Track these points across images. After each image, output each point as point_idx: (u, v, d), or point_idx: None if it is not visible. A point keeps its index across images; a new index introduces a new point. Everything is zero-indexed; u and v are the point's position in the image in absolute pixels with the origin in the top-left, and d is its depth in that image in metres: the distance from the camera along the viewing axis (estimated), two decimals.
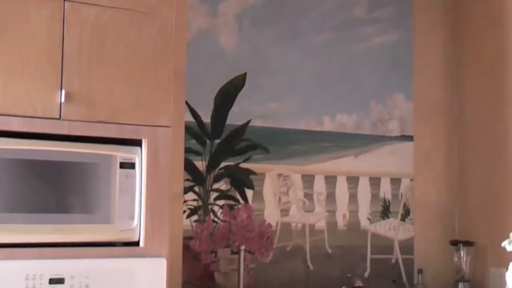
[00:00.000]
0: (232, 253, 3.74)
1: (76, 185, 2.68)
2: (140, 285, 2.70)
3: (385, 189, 4.31)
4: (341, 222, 4.14)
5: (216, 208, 3.77)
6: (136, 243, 2.76)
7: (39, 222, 2.61)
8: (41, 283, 2.56)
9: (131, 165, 2.78)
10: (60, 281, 2.59)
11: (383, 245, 4.27)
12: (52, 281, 2.58)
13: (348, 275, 3.94)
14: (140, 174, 2.78)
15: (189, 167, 3.66)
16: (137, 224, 2.76)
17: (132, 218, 2.75)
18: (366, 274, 4.16)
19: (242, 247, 3.57)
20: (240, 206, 3.81)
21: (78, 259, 2.64)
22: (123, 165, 2.77)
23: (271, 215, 3.91)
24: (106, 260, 2.69)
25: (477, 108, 4.37)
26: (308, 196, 4.06)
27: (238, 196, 3.83)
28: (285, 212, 3.97)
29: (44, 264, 2.58)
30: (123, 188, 2.75)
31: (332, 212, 4.12)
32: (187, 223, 3.66)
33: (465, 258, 4.24)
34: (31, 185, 2.62)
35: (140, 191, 2.77)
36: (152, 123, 2.81)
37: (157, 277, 2.74)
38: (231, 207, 3.79)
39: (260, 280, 3.82)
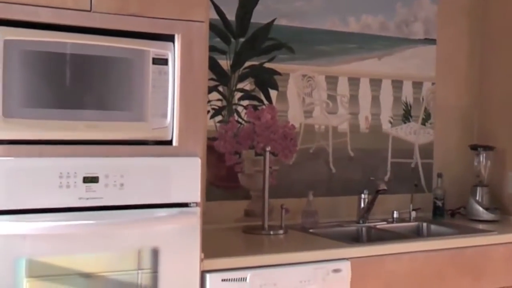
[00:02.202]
0: (256, 154, 3.67)
1: (108, 81, 2.58)
2: (174, 185, 2.64)
3: (407, 93, 4.23)
4: (363, 125, 4.07)
5: (240, 109, 3.68)
6: (169, 142, 2.68)
7: (71, 118, 2.52)
8: (75, 182, 2.49)
9: (164, 61, 2.67)
10: (94, 179, 2.51)
11: (404, 149, 4.22)
12: (86, 179, 2.50)
13: (371, 178, 3.89)
14: (173, 70, 2.67)
15: (213, 66, 3.55)
16: (170, 123, 2.67)
17: (165, 116, 2.66)
18: (386, 178, 4.12)
19: (268, 148, 3.50)
20: (264, 106, 3.72)
21: (112, 158, 2.56)
22: (155, 61, 2.65)
23: (294, 116, 3.83)
24: (140, 159, 2.61)
25: (502, 10, 4.26)
26: (332, 98, 3.97)
27: (262, 97, 3.74)
28: (308, 113, 3.89)
29: (77, 162, 2.50)
30: (156, 84, 2.65)
31: (354, 115, 4.05)
32: (211, 123, 3.57)
33: (484, 163, 4.21)
34: (62, 80, 2.51)
35: (173, 88, 2.67)
36: (186, 18, 2.69)
37: (192, 176, 2.67)
38: (255, 107, 3.70)
39: (283, 182, 3.77)
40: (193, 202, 2.68)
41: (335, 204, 3.92)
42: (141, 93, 2.63)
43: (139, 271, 2.61)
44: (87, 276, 2.52)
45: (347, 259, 3.06)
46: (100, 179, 2.52)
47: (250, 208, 3.69)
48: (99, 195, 2.52)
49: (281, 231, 3.45)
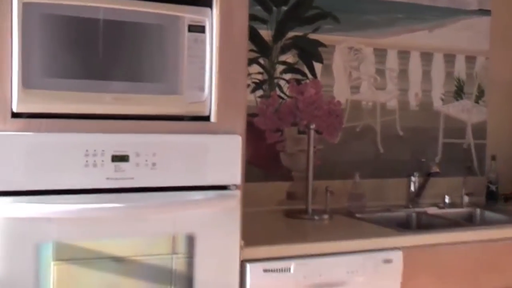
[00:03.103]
0: (299, 132, 3.40)
1: (140, 49, 2.32)
2: (212, 165, 2.39)
3: (460, 68, 3.93)
4: (413, 102, 3.78)
5: (282, 83, 3.42)
6: (206, 118, 2.42)
7: (98, 90, 2.27)
8: (102, 160, 2.24)
9: (201, 29, 2.40)
10: (124, 158, 2.27)
11: (455, 128, 3.92)
12: (115, 158, 2.26)
13: (423, 160, 3.61)
14: (211, 39, 2.41)
15: (253, 36, 3.28)
16: (208, 96, 2.41)
17: (202, 89, 2.40)
18: (437, 159, 3.84)
19: (312, 126, 3.23)
20: (308, 80, 3.45)
21: (143, 134, 2.32)
22: (191, 28, 2.39)
23: (340, 91, 3.55)
24: (174, 136, 2.36)
25: None
26: (380, 72, 3.68)
27: (306, 70, 3.46)
28: (355, 89, 3.61)
29: (105, 138, 2.26)
30: (191, 54, 2.39)
31: (404, 91, 3.75)
32: (251, 98, 3.31)
33: None
34: (89, 48, 2.26)
35: (211, 58, 2.41)
36: None
37: (231, 156, 2.42)
38: (298, 81, 3.43)
39: (328, 162, 3.50)
40: (233, 185, 2.43)
41: (382, 186, 3.65)
42: (175, 64, 2.37)
43: (174, 256, 2.37)
44: (118, 260, 2.30)
45: (398, 248, 2.79)
46: (131, 158, 2.28)
47: (292, 190, 3.43)
48: (129, 175, 2.28)
49: (325, 216, 3.19)
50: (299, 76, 3.43)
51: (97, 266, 2.28)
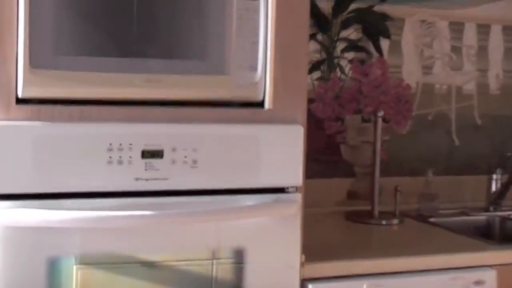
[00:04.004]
0: (363, 120, 2.91)
1: (178, 20, 1.86)
2: (267, 162, 1.92)
3: None
4: (493, 84, 3.25)
5: (343, 63, 2.92)
6: (260, 104, 1.95)
7: (124, 70, 1.82)
8: (130, 157, 1.80)
9: None
10: (157, 154, 1.82)
11: None
12: (145, 153, 1.81)
13: (508, 154, 3.09)
14: (266, 8, 1.92)
15: (310, 8, 2.78)
16: (262, 77, 1.93)
17: (255, 68, 1.92)
18: None
19: (380, 114, 2.75)
20: (373, 60, 2.95)
21: (181, 124, 1.86)
22: None
23: (410, 73, 3.05)
24: (220, 126, 1.90)
25: None
26: (456, 50, 3.16)
27: (371, 48, 2.96)
28: (427, 69, 3.10)
29: (133, 129, 1.81)
30: (242, 26, 1.91)
31: (483, 72, 3.23)
32: (307, 81, 2.81)
33: None
34: (111, 18, 1.81)
35: (265, 31, 1.93)
36: None
37: (291, 151, 1.95)
38: (362, 61, 2.93)
39: (395, 155, 2.99)
40: (292, 187, 1.96)
41: (457, 185, 3.14)
42: (221, 37, 1.89)
43: (214, 261, 1.90)
44: (149, 265, 1.84)
45: (490, 266, 2.29)
46: (165, 154, 1.82)
47: (354, 188, 2.95)
48: (164, 175, 1.83)
49: (395, 221, 2.71)
50: (363, 55, 2.94)
51: (126, 271, 1.84)
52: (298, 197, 1.95)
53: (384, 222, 2.70)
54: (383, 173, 2.81)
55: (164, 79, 1.85)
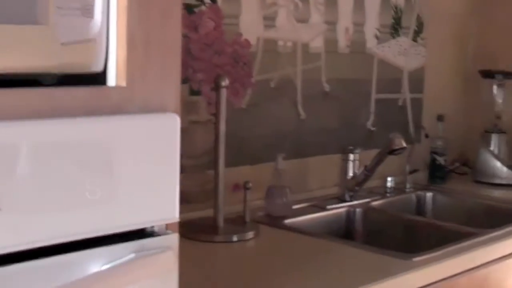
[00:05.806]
0: (192, 93, 2.09)
1: None
2: (117, 187, 1.04)
3: None
4: (342, 41, 2.56)
5: None
6: (101, 77, 1.06)
7: None
8: None
9: None
10: None
11: (391, 79, 2.78)
12: None
13: (372, 129, 2.42)
14: None
15: None
16: (102, 28, 1.04)
17: (90, 12, 1.03)
18: (369, 123, 2.68)
19: (225, 82, 1.94)
20: (204, 8, 2.11)
21: None
22: None
23: (249, 25, 2.24)
24: (31, 124, 0.98)
25: None
26: None
27: None
28: (269, 20, 2.31)
29: None
30: None
31: (332, 25, 2.51)
32: None
33: (503, 97, 2.89)
34: None
35: None
36: None
37: (159, 162, 1.09)
38: (189, 9, 2.09)
39: (232, 137, 2.16)
40: (162, 224, 1.11)
41: (304, 169, 2.44)
42: None
43: None
44: None
45: None
46: None
47: (182, 188, 2.11)
48: None
49: (250, 234, 1.93)
50: (191, 1, 2.09)
51: None
52: (173, 239, 1.10)
53: (235, 238, 1.91)
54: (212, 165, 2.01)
55: None
